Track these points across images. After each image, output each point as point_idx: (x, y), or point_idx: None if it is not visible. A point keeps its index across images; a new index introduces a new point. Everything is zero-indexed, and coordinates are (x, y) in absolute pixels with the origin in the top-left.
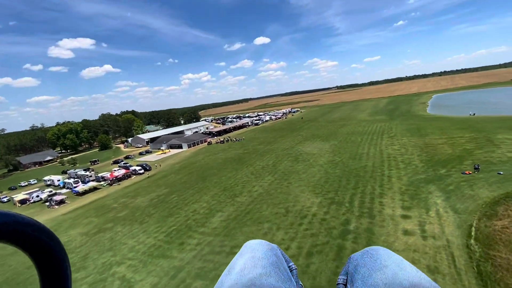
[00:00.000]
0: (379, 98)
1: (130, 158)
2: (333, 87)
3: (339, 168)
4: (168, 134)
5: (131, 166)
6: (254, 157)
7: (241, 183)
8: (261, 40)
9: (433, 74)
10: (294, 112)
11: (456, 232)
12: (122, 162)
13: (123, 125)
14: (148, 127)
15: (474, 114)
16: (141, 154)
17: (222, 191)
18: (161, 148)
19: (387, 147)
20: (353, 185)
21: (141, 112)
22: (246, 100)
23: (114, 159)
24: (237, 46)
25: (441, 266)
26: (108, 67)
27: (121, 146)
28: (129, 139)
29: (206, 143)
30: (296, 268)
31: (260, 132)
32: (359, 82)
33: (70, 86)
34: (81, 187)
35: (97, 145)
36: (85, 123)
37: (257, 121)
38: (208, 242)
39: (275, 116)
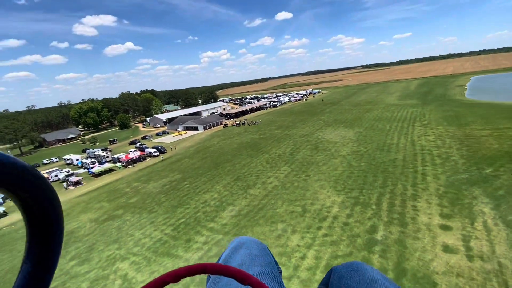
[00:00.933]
0: (409, 79)
1: (147, 138)
2: (358, 66)
3: (364, 160)
4: (185, 114)
5: (146, 147)
6: (271, 143)
7: (255, 172)
8: (282, 16)
9: (471, 53)
10: (315, 93)
11: (510, 253)
12: (139, 143)
13: (142, 104)
14: (166, 107)
15: None
16: (158, 135)
17: (235, 180)
18: (178, 129)
19: (419, 138)
20: (380, 182)
21: (160, 91)
22: (265, 80)
23: (131, 139)
24: (257, 22)
25: None
26: (130, 45)
27: (140, 125)
28: (148, 119)
29: (222, 125)
30: (281, 272)
31: (278, 115)
32: (387, 61)
33: (95, 64)
34: (97, 168)
35: (117, 124)
36: (106, 102)
37: (275, 103)
38: (217, 242)
39: (295, 97)
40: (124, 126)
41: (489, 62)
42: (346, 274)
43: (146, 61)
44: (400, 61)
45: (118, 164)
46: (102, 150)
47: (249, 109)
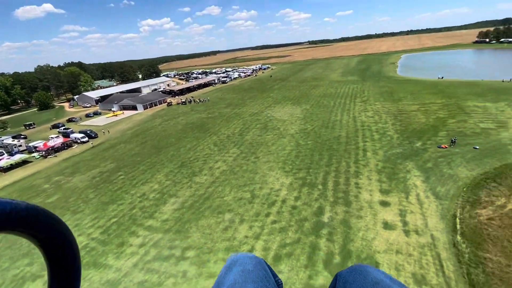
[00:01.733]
0: (350, 56)
1: (74, 121)
2: (305, 42)
3: (311, 138)
4: (122, 92)
5: (72, 132)
6: (219, 123)
7: (202, 157)
8: None
9: (401, 33)
10: (264, 68)
11: (441, 224)
12: (62, 127)
13: (66, 80)
14: (100, 82)
15: (442, 77)
16: (88, 116)
17: (179, 167)
18: (112, 109)
19: (360, 114)
20: (326, 160)
21: (91, 64)
22: (214, 53)
23: (53, 123)
24: None
25: (429, 274)
26: (48, 7)
27: (66, 105)
28: (75, 97)
29: (166, 103)
30: (282, 283)
31: (227, 91)
32: (331, 38)
33: (2, 28)
34: (5, 161)
35: (35, 104)
36: (18, 77)
37: (225, 79)
38: (155, 242)
39: (244, 73)
40: (45, 106)
41: (415, 42)
42: (350, 278)
43: (73, 27)
44: (342, 38)
45: (35, 154)
46: (13, 137)
47: (197, 85)
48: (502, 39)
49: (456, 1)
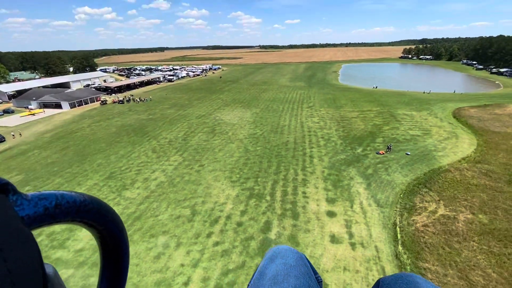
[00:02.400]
0: (298, 63)
1: None
2: (256, 46)
3: (260, 144)
4: (45, 86)
5: None
6: (161, 125)
7: (136, 165)
8: None
9: (341, 44)
10: (215, 69)
11: (383, 234)
12: None
13: None
14: (18, 74)
15: (376, 87)
16: None
17: (106, 179)
18: (29, 107)
19: (307, 119)
20: (275, 168)
21: (9, 53)
22: (162, 49)
23: None
24: None
25: None
26: None
27: None
28: None
29: (99, 102)
30: (322, 281)
31: (173, 91)
32: (280, 44)
33: None
34: None
35: None
36: None
37: (171, 77)
38: (65, 280)
39: (193, 72)
40: None
41: (353, 53)
42: (396, 286)
43: None
44: (290, 45)
45: None
46: None
47: (138, 82)
48: (421, 56)
49: (385, 21)
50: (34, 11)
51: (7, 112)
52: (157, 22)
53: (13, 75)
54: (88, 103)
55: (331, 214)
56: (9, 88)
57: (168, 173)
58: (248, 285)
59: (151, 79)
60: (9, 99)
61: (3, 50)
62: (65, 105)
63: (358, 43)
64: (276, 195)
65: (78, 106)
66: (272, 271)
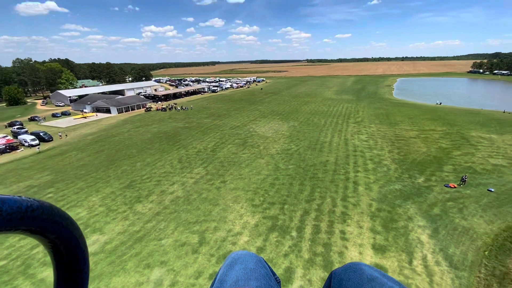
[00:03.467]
0: (346, 76)
1: (36, 120)
2: (304, 60)
3: (293, 162)
4: (104, 92)
5: (26, 132)
6: (194, 134)
7: (158, 176)
8: None
9: (396, 59)
10: (259, 81)
11: None
12: (16, 127)
13: (45, 76)
14: (85, 82)
15: (440, 103)
16: (54, 116)
17: (124, 188)
18: (84, 110)
19: (353, 136)
20: (307, 193)
21: (81, 64)
22: (213, 63)
23: (11, 121)
24: (208, 1)
25: None
26: (52, 5)
27: (39, 102)
28: (51, 95)
29: (144, 108)
30: (280, 281)
31: (214, 101)
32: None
33: (2, 23)
34: None
35: (5, 98)
36: None
37: (215, 88)
38: None
39: (237, 84)
40: (15, 102)
41: (410, 67)
42: (345, 276)
43: (74, 27)
44: (340, 59)
45: None
46: None
47: (184, 92)
48: (495, 71)
49: (449, 33)
50: (109, 30)
51: (64, 114)
52: (211, 38)
53: (80, 82)
54: (135, 109)
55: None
56: (71, 93)
57: (186, 187)
58: None
59: (196, 89)
60: (70, 103)
61: (82, 62)
62: (114, 110)
63: (416, 57)
64: (305, 232)
65: (125, 111)
66: (233, 277)
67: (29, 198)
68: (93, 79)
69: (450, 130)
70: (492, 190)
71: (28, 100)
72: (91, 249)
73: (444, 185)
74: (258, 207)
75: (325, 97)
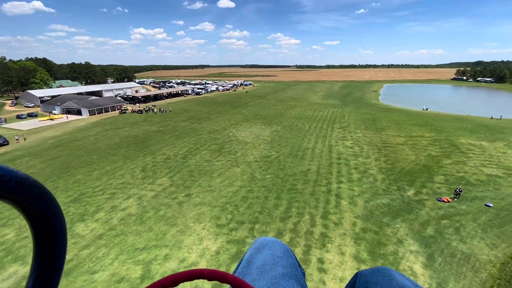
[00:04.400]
0: (334, 81)
1: None
2: (293, 66)
3: (272, 171)
4: (77, 93)
5: None
6: (167, 139)
7: (113, 187)
8: (225, 3)
9: (382, 66)
10: (246, 84)
11: None
12: None
13: (16, 75)
14: (63, 82)
15: (427, 109)
16: (19, 117)
17: (70, 202)
18: (53, 111)
19: (337, 142)
20: (283, 209)
21: (60, 64)
22: (202, 67)
23: None
24: (198, 5)
25: None
26: (38, 4)
27: (8, 103)
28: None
29: (119, 110)
30: (304, 274)
31: (196, 103)
32: (318, 64)
33: None
34: None
35: None
36: None
37: (200, 90)
38: None
39: (223, 87)
40: None
41: (396, 74)
42: (373, 279)
43: (61, 27)
44: (328, 65)
45: None
46: None
47: (166, 93)
48: (478, 78)
49: (433, 42)
50: (97, 31)
51: (30, 115)
52: (201, 42)
53: (58, 82)
54: (109, 111)
55: None
56: (42, 93)
57: (143, 202)
58: (234, 272)
59: (179, 91)
60: (41, 103)
61: (67, 63)
62: (85, 112)
63: (402, 65)
64: None
65: (98, 113)
66: (260, 260)
67: (2, 166)
68: (73, 80)
69: (439, 137)
70: (490, 205)
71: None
72: (4, 284)
73: (436, 199)
74: (223, 228)
75: (311, 102)
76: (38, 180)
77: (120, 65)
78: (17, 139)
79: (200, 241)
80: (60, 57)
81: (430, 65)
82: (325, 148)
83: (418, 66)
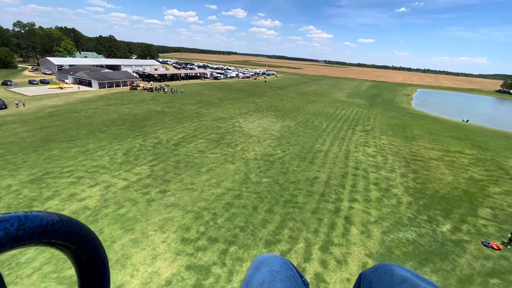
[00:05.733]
0: (363, 80)
1: (7, 85)
2: (322, 60)
3: (271, 173)
4: (96, 65)
5: None
6: (167, 121)
7: (85, 169)
8: None
9: (418, 70)
10: (268, 74)
11: None
12: None
13: (40, 42)
14: (88, 54)
15: (467, 120)
16: (31, 83)
17: (28, 182)
18: (65, 81)
19: (357, 148)
20: (272, 228)
21: (89, 37)
22: (229, 53)
23: None
24: None
25: None
26: None
27: (29, 68)
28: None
29: (129, 86)
30: (308, 283)
31: (211, 88)
32: (347, 61)
33: None
34: None
35: None
36: None
37: (218, 75)
38: None
39: (244, 74)
40: (4, 65)
41: (432, 79)
42: (376, 277)
43: (99, 2)
44: (359, 63)
45: None
46: None
47: (183, 75)
48: None
49: (476, 50)
50: (133, 9)
51: (43, 82)
52: (231, 28)
53: (83, 53)
54: (120, 86)
55: None
56: (58, 61)
57: (108, 194)
58: None
59: (198, 73)
60: (59, 71)
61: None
62: (95, 84)
63: (439, 71)
64: None
65: (108, 87)
66: (258, 279)
67: (50, 212)
68: (99, 53)
69: (483, 156)
70: None
71: (22, 65)
72: None
73: (482, 243)
74: (189, 244)
75: (334, 98)
76: (79, 220)
77: (145, 43)
78: (16, 104)
79: (153, 260)
80: (97, 32)
81: (472, 74)
82: (341, 153)
83: (457, 74)
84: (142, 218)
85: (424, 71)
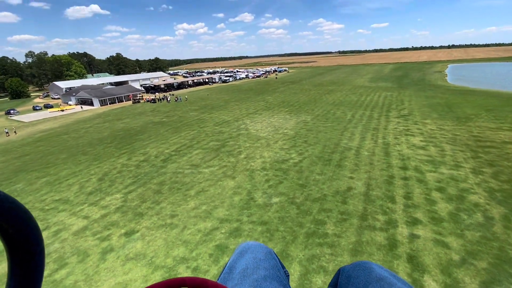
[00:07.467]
0: (383, 63)
1: (11, 113)
2: (335, 52)
3: (285, 187)
4: (111, 83)
5: None
6: (162, 132)
7: (42, 205)
8: None
9: (441, 47)
10: (280, 71)
11: None
12: None
13: (50, 68)
14: (101, 75)
15: None
16: (35, 109)
17: None
18: (69, 102)
19: (398, 139)
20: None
21: (101, 60)
22: (240, 58)
23: None
24: None
25: None
26: (95, 8)
27: (40, 95)
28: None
29: (131, 100)
30: (289, 275)
31: (219, 91)
32: (363, 49)
33: (54, 27)
34: None
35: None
36: (1, 63)
37: (227, 78)
38: None
39: (254, 74)
40: (17, 95)
41: (462, 54)
42: (354, 273)
43: (115, 28)
44: (375, 49)
45: None
46: None
47: (191, 82)
48: None
49: (505, 18)
50: (146, 29)
51: (47, 106)
52: (240, 33)
53: (96, 75)
54: (123, 101)
55: None
56: (65, 84)
57: (53, 245)
58: (217, 279)
59: (206, 79)
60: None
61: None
62: (96, 102)
63: (466, 45)
64: None
65: (110, 103)
66: (242, 265)
67: None
68: (110, 72)
69: None
70: None
71: (35, 94)
72: None
73: None
74: None
75: (355, 85)
76: (9, 194)
77: (171, 60)
78: (7, 133)
79: None
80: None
81: (503, 43)
82: (378, 148)
83: (488, 45)
84: (83, 287)
85: (449, 47)
